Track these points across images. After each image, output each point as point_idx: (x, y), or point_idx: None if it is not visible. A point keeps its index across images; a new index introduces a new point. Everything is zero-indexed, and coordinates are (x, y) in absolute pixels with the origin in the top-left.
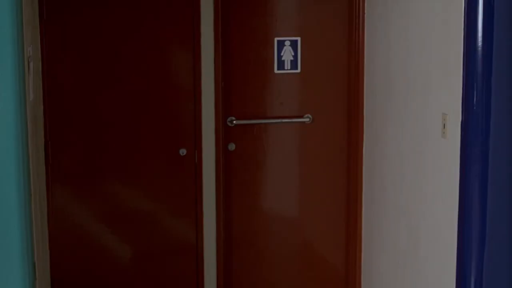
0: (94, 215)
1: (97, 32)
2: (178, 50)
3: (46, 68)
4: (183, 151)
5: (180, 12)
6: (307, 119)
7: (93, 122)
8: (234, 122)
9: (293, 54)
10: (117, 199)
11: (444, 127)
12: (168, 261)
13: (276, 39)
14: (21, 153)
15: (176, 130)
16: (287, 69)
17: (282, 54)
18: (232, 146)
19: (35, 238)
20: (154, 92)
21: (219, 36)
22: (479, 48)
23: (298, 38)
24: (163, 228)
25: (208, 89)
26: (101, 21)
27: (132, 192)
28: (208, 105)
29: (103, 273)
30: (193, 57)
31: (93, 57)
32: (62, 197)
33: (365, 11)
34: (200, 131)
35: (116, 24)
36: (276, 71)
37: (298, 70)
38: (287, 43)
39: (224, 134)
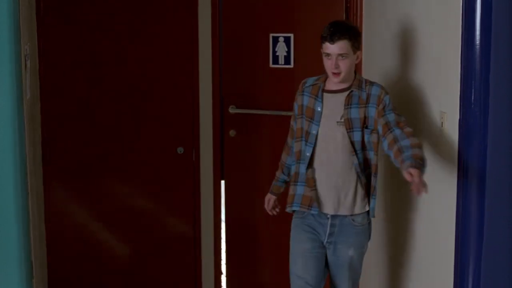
0: (91, 213)
1: (95, 30)
2: (176, 47)
3: (43, 66)
4: (180, 149)
5: (178, 9)
6: None
7: (90, 120)
8: (233, 110)
9: (286, 50)
10: (115, 198)
11: (442, 125)
12: (167, 259)
13: (271, 35)
14: (18, 152)
15: (173, 128)
16: (281, 64)
17: (276, 49)
18: (233, 133)
19: (32, 237)
20: (152, 90)
21: (216, 33)
22: (477, 46)
23: (291, 34)
24: (161, 227)
25: (207, 87)
26: (98, 19)
27: (130, 191)
28: (206, 103)
29: (101, 272)
30: (191, 55)
31: (90, 55)
32: (60, 195)
33: (363, 8)
34: (198, 129)
35: (113, 21)
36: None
37: (291, 65)
38: (281, 39)
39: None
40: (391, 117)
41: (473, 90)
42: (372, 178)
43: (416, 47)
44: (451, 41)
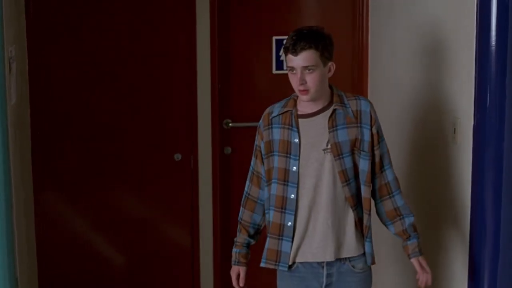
0: (85, 222)
1: (88, 31)
2: (173, 52)
3: (33, 69)
4: (178, 156)
5: (175, 12)
6: None
7: (83, 126)
8: (230, 124)
9: None
10: (110, 206)
11: (454, 131)
12: (164, 268)
13: (274, 38)
14: (1, 161)
15: (171, 134)
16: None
17: (280, 54)
18: (228, 150)
19: (18, 250)
20: (147, 94)
21: (215, 37)
22: (493, 47)
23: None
24: (159, 235)
25: (205, 92)
26: (92, 19)
27: (125, 198)
28: (204, 109)
29: (96, 282)
30: (188, 59)
31: (84, 58)
32: (51, 204)
33: (369, 9)
34: (196, 136)
35: (108, 23)
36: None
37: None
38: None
39: (220, 137)
40: (386, 161)
41: (488, 93)
42: (365, 216)
43: (427, 49)
44: (465, 42)
